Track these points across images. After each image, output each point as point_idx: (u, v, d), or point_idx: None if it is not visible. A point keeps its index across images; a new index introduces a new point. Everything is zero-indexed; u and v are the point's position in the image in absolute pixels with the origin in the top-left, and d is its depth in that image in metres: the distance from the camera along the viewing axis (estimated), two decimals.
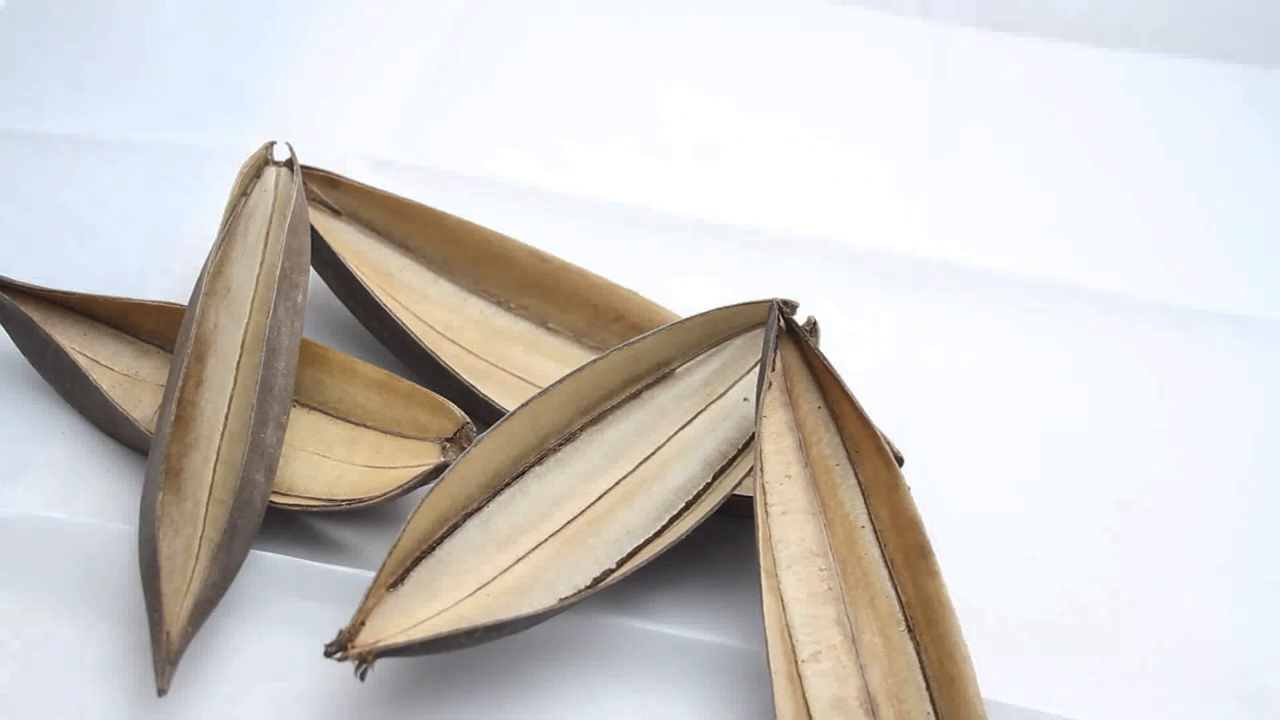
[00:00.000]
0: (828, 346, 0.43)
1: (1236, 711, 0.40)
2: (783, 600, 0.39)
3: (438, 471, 0.41)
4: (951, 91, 0.62)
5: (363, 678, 0.35)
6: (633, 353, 0.42)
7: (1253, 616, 0.43)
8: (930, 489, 0.41)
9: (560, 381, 0.41)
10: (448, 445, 0.42)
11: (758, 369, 0.43)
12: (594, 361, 0.42)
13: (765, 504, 0.40)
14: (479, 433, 0.42)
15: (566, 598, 0.38)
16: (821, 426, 0.42)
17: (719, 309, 0.43)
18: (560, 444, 0.42)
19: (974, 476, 0.46)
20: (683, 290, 0.48)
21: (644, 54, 0.63)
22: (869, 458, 0.40)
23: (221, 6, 0.63)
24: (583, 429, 0.42)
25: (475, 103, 0.60)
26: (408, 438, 0.43)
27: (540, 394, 0.41)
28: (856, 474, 0.41)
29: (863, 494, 0.41)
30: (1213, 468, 0.47)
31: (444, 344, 0.46)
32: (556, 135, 0.58)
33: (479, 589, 0.38)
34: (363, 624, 0.36)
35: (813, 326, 0.43)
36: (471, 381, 0.44)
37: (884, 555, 0.39)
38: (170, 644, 0.37)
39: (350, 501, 0.41)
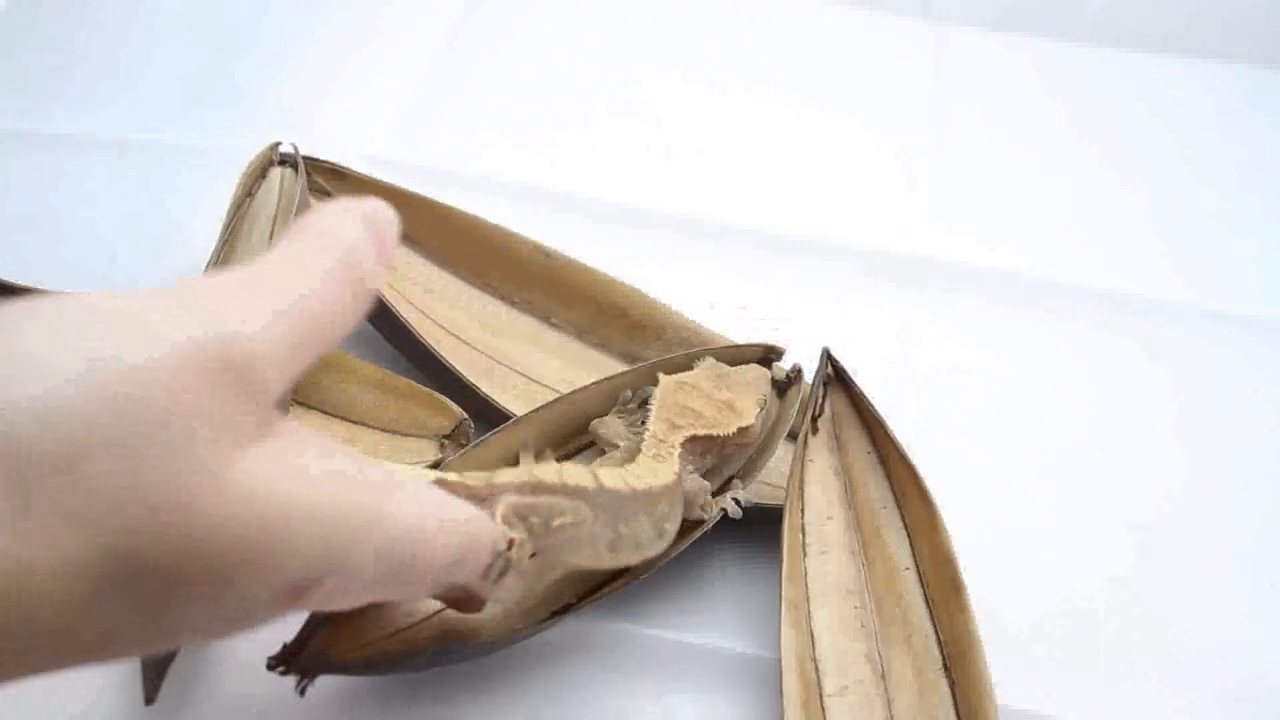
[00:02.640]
0: (830, 346, 0.43)
1: (1250, 715, 0.40)
2: (812, 634, 0.39)
3: (435, 468, 0.41)
4: (956, 91, 0.62)
5: (302, 693, 0.35)
6: (612, 386, 0.41)
7: (1266, 618, 0.43)
8: (932, 490, 0.41)
9: (536, 411, 0.40)
10: (445, 442, 0.42)
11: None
12: (570, 394, 0.41)
13: (803, 543, 0.40)
14: (477, 431, 0.41)
15: (520, 629, 0.37)
16: (869, 470, 0.42)
17: (708, 349, 0.43)
18: None
19: (977, 478, 0.46)
20: (683, 289, 0.47)
21: (645, 54, 0.63)
22: (913, 500, 0.41)
23: (220, 7, 0.63)
24: (566, 457, 0.41)
25: (475, 102, 0.60)
26: (406, 435, 0.42)
27: (513, 422, 0.40)
28: (903, 516, 0.41)
29: (909, 536, 0.41)
30: (1225, 471, 0.47)
31: (446, 339, 0.46)
32: (557, 134, 0.58)
33: (437, 613, 0.37)
34: (308, 639, 0.35)
35: (798, 374, 0.42)
36: (473, 380, 0.43)
37: (926, 595, 0.39)
38: (159, 655, 0.37)
39: None
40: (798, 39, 0.64)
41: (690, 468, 0.38)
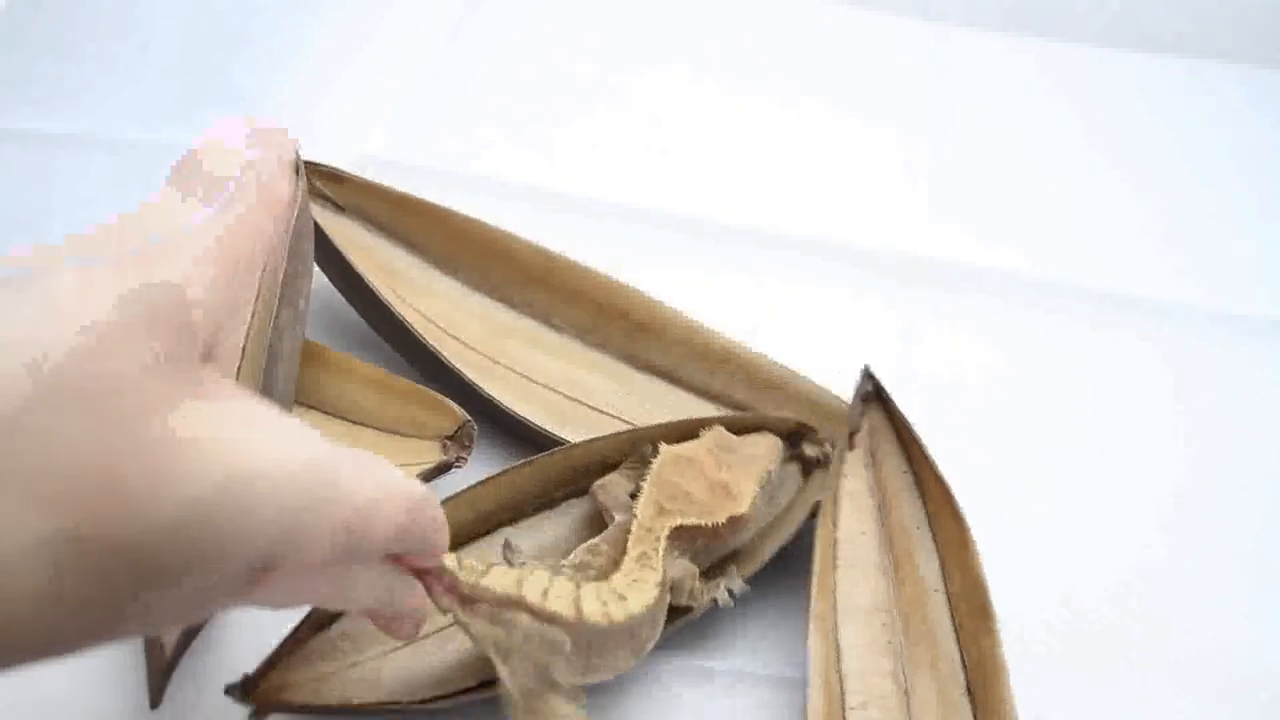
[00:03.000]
0: (830, 345, 0.43)
1: (1253, 715, 0.40)
2: (839, 648, 0.38)
3: (439, 470, 0.41)
4: (956, 91, 0.62)
5: None
6: (625, 439, 0.41)
7: (1266, 618, 0.43)
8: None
9: (545, 456, 0.40)
10: (448, 443, 0.41)
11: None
12: (586, 442, 0.40)
13: (834, 556, 0.40)
14: (479, 428, 0.41)
15: (490, 681, 0.36)
16: (904, 489, 0.42)
17: (725, 416, 0.42)
18: (537, 509, 0.41)
19: (977, 478, 0.45)
20: (683, 289, 0.47)
21: (645, 54, 0.63)
22: (946, 521, 0.40)
23: (219, 7, 0.63)
24: (565, 498, 0.41)
25: (475, 102, 0.59)
26: (407, 436, 0.42)
27: (516, 467, 0.40)
28: (935, 537, 0.41)
29: (940, 558, 0.40)
30: (1225, 471, 0.47)
31: (446, 340, 0.46)
32: (556, 134, 0.58)
33: (403, 644, 0.37)
34: (268, 671, 0.35)
35: (826, 457, 0.42)
36: (474, 379, 0.43)
37: (954, 619, 0.39)
38: (163, 658, 0.37)
39: None
40: (798, 39, 0.64)
41: (676, 553, 0.37)
